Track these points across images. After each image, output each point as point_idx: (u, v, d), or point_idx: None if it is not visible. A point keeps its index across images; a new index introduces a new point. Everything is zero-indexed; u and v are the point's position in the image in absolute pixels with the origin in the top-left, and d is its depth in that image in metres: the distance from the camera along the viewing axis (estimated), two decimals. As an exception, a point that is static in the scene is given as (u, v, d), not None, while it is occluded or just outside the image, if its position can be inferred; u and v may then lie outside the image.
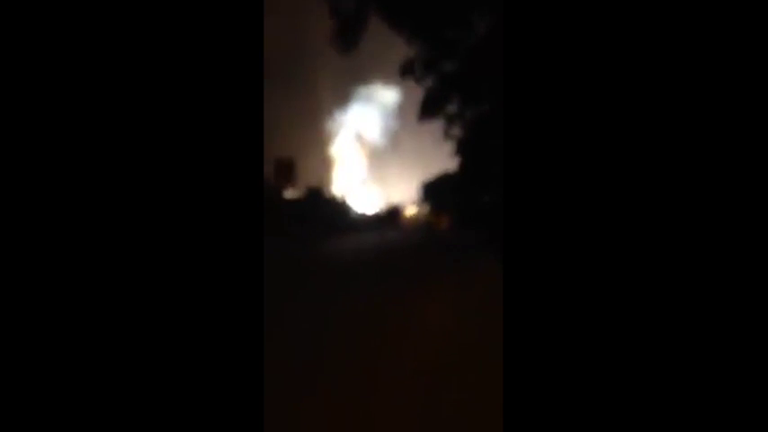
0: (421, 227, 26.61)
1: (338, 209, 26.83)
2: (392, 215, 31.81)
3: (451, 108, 11.62)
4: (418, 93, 11.81)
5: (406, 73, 10.88)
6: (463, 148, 13.69)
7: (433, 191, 26.85)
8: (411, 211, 32.81)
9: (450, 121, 11.94)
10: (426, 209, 27.94)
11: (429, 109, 11.59)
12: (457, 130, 12.37)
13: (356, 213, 29.85)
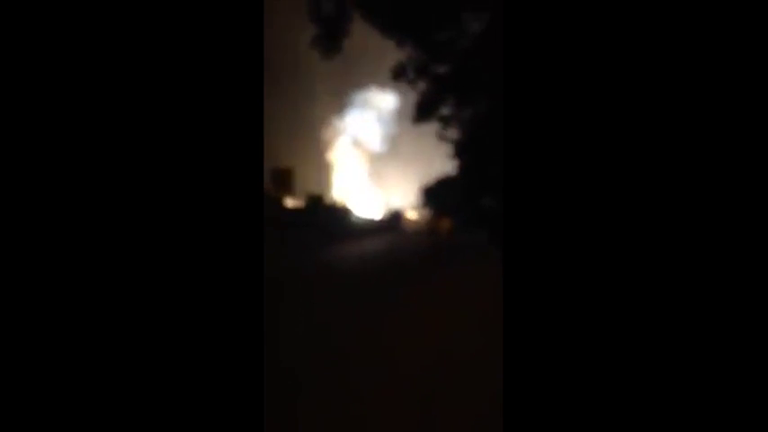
0: (422, 231, 26.63)
1: (339, 215, 26.87)
2: (393, 220, 31.88)
3: (446, 110, 11.65)
4: (415, 95, 11.88)
5: (398, 77, 10.91)
6: (460, 150, 13.71)
7: (433, 194, 26.89)
8: (412, 215, 32.84)
9: (445, 123, 11.97)
10: (427, 212, 27.97)
11: (423, 112, 11.62)
12: (453, 132, 12.44)
13: (357, 219, 29.89)
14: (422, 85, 11.27)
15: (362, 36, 10.16)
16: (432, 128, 12.66)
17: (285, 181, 26.60)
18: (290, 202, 25.16)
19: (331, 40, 8.65)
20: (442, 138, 12.70)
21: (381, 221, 31.76)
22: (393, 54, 11.17)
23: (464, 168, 15.07)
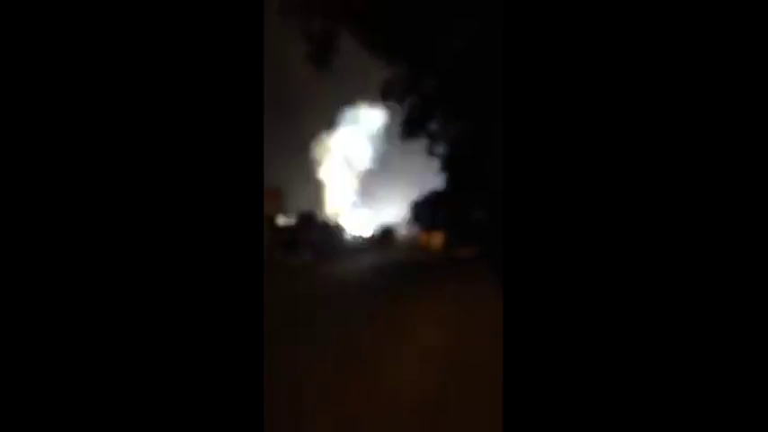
0: (414, 246, 26.56)
1: (330, 233, 26.75)
2: (385, 236, 31.75)
3: (434, 126, 11.77)
4: (403, 112, 11.97)
5: (387, 94, 11.05)
6: (449, 166, 13.82)
7: (423, 210, 26.89)
8: (403, 231, 32.79)
9: (433, 139, 12.09)
10: (418, 228, 27.93)
11: (412, 128, 11.73)
12: (441, 148, 12.54)
13: (349, 236, 29.78)
14: (408, 103, 11.40)
15: (352, 54, 10.30)
16: (420, 144, 12.79)
17: (275, 200, 26.50)
18: (281, 221, 25.04)
19: (321, 57, 8.78)
20: (430, 154, 12.80)
21: (373, 238, 31.64)
22: (381, 72, 11.34)
23: (453, 183, 15.17)
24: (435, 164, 13.90)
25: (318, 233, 24.84)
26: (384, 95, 11.27)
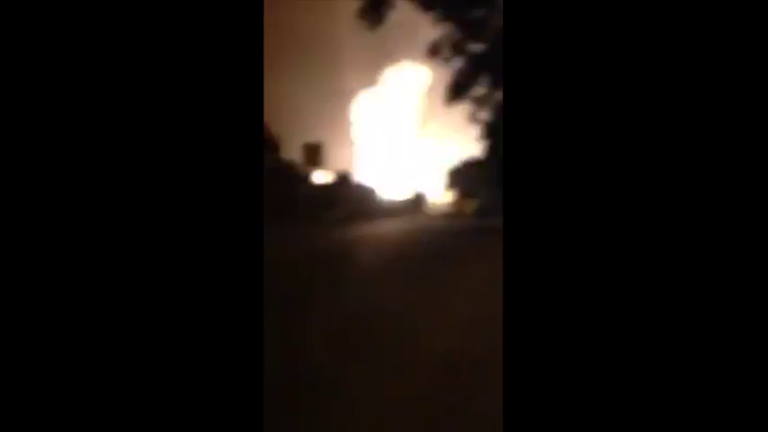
0: (447, 212, 26.43)
1: (365, 194, 26.91)
2: (418, 200, 31.70)
3: (479, 90, 11.39)
4: (448, 73, 11.48)
5: (434, 54, 10.73)
6: (489, 133, 13.48)
7: (459, 176, 26.55)
8: (437, 196, 32.59)
9: (477, 104, 11.73)
10: (453, 194, 27.70)
11: (457, 91, 11.38)
12: (484, 114, 12.17)
13: (383, 198, 29.87)
14: (456, 64, 10.98)
15: (397, 11, 9.96)
16: (461, 108, 12.32)
17: (314, 156, 26.67)
18: (318, 178, 25.30)
19: (375, 10, 8.58)
20: (473, 119, 12.46)
21: (405, 202, 31.64)
22: (428, 29, 10.88)
23: (490, 151, 14.82)
24: (474, 130, 13.54)
25: (353, 192, 25.05)
26: (431, 55, 10.94)
